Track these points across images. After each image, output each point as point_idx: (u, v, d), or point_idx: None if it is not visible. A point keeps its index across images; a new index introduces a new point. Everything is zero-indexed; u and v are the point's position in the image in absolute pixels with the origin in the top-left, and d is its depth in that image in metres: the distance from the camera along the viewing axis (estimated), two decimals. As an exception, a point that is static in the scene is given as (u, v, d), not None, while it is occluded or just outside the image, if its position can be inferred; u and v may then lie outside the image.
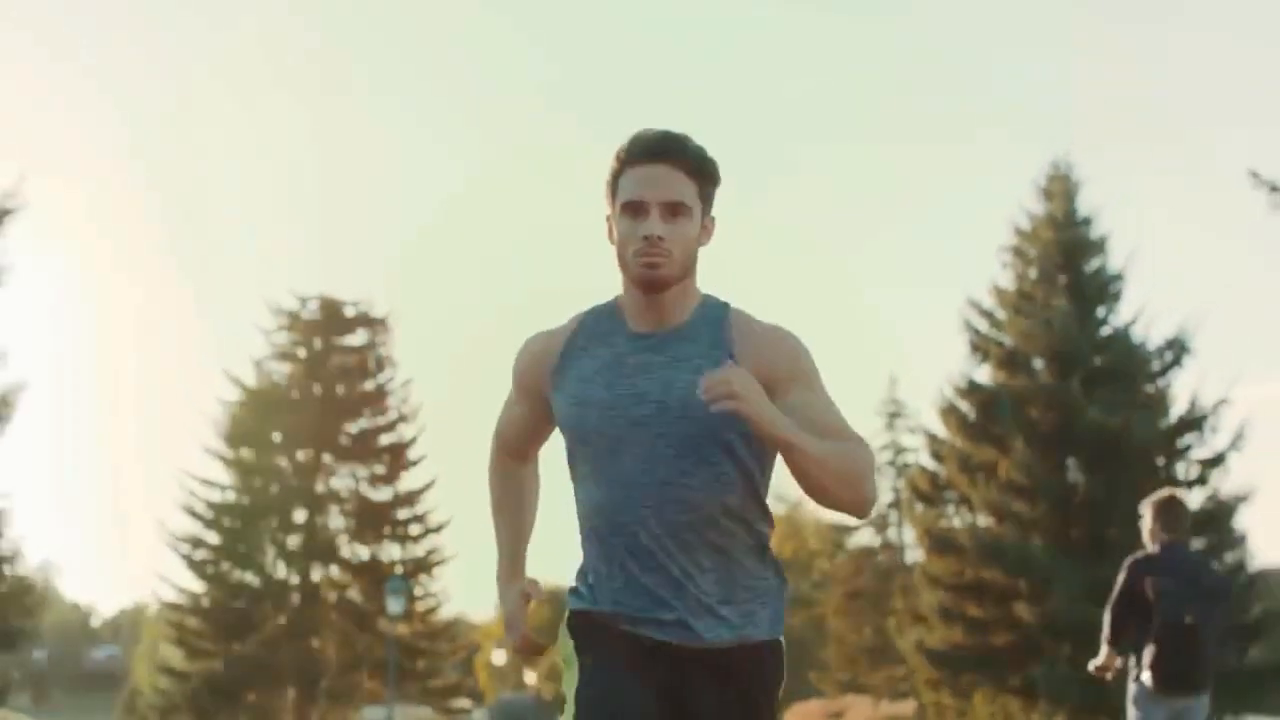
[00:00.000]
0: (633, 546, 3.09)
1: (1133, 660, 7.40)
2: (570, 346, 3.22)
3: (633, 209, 3.08)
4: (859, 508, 2.99)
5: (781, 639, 3.19)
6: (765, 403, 2.87)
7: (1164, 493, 7.71)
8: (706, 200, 3.15)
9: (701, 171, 3.12)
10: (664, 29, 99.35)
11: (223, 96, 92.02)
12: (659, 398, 3.08)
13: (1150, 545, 7.59)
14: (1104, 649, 7.49)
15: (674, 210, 3.07)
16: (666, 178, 3.07)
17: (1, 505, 17.66)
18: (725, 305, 3.19)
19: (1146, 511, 7.63)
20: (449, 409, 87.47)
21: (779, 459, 3.08)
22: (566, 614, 3.22)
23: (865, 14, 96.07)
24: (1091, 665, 7.59)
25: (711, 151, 3.18)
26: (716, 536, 3.08)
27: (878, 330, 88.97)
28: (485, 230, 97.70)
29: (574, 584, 3.25)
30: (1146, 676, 7.29)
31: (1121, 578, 7.48)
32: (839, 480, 2.94)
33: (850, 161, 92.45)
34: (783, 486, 50.80)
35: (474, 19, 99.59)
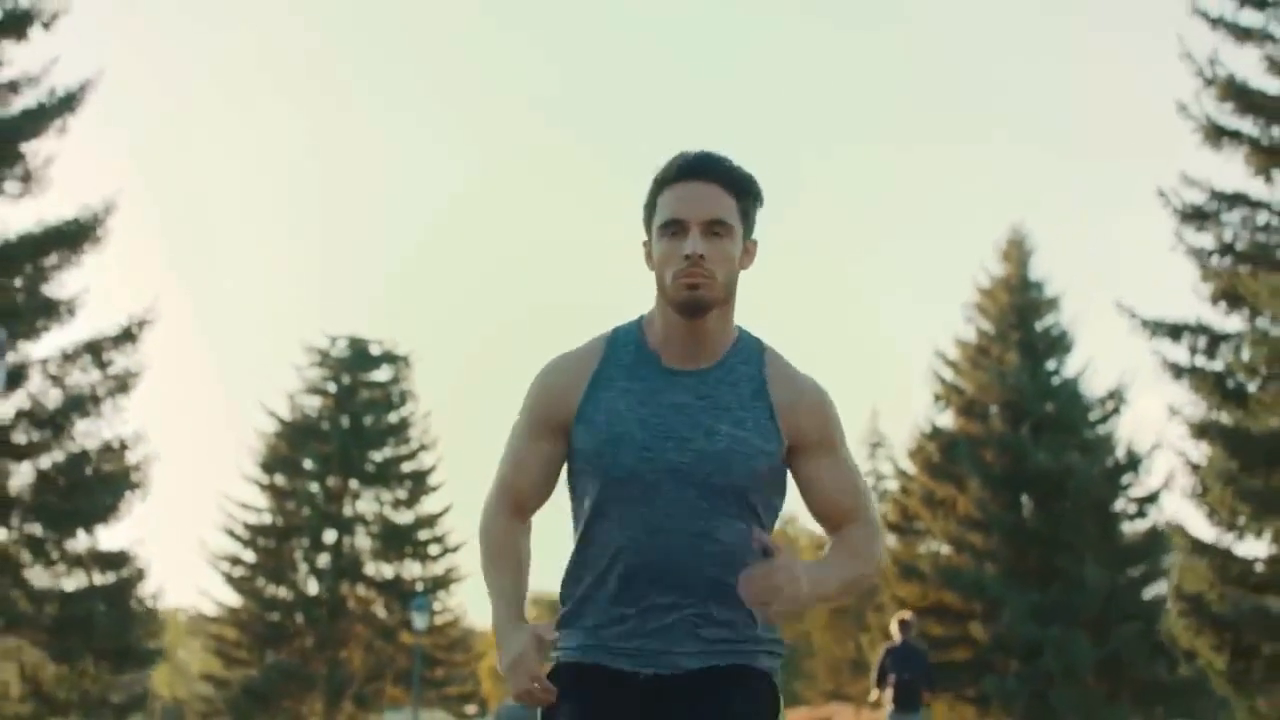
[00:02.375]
0: (655, 591, 3.04)
1: (889, 694, 14.92)
2: (599, 375, 3.13)
3: (672, 229, 3.02)
4: (869, 586, 3.21)
5: (775, 679, 3.15)
6: (803, 586, 2.89)
7: (903, 612, 15.41)
8: (748, 220, 3.09)
9: (742, 189, 3.07)
10: (667, 39, 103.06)
11: (220, 102, 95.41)
12: (700, 447, 3.02)
13: (896, 638, 15.28)
14: (874, 690, 15.13)
15: (715, 229, 3.01)
16: (707, 195, 3.02)
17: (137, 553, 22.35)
18: (760, 345, 3.15)
19: (894, 620, 14.84)
20: (465, 440, 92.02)
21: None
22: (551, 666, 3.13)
23: (867, 24, 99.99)
24: (871, 697, 14.89)
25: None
26: (731, 592, 3.02)
27: (878, 336, 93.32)
28: (490, 242, 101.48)
29: (557, 634, 3.16)
30: (889, 700, 14.72)
31: (879, 655, 14.72)
32: (860, 589, 3.13)
33: (855, 169, 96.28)
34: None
35: (490, 36, 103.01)
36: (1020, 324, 35.73)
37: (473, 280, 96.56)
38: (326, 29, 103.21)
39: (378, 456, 42.51)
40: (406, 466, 42.80)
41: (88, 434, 21.34)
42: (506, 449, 3.22)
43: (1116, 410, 35.15)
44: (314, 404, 43.10)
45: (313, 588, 41.30)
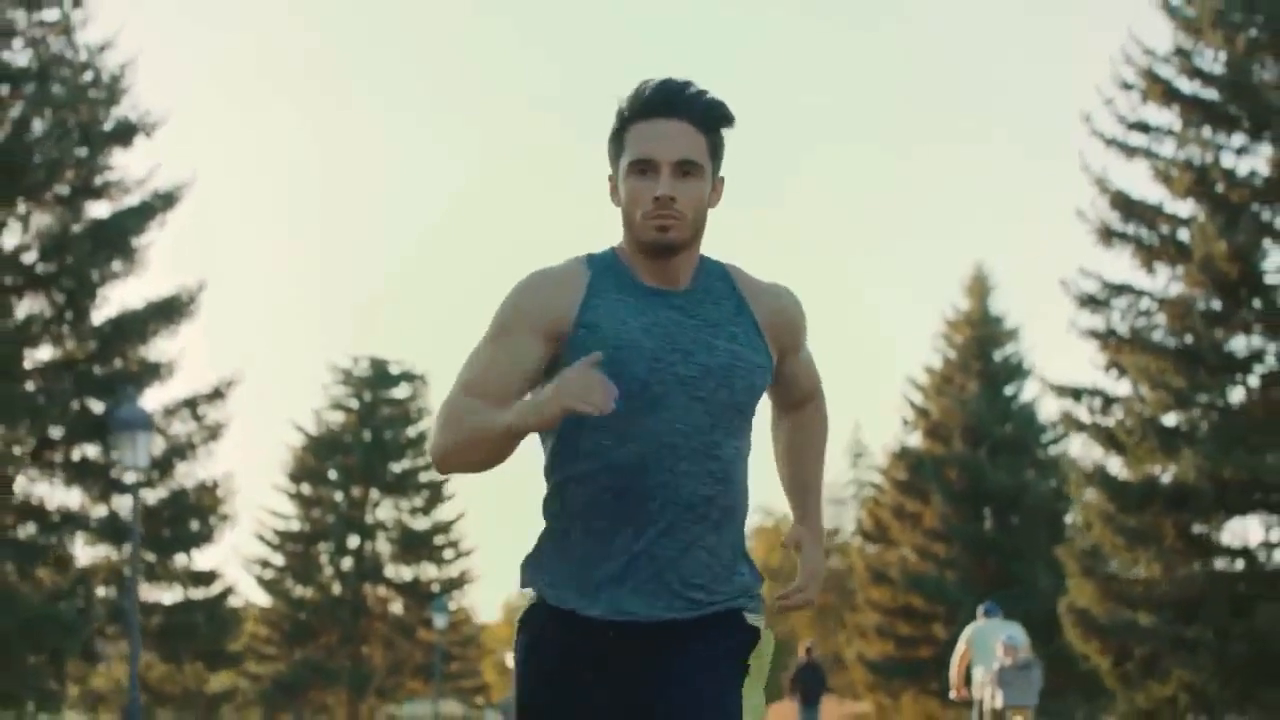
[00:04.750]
0: (654, 509, 3.03)
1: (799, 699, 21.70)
2: (594, 285, 3.10)
3: (641, 167, 3.04)
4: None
5: (760, 624, 3.17)
6: (822, 577, 3.37)
7: (806, 640, 21.81)
8: (716, 156, 3.11)
9: (713, 124, 3.09)
10: (666, 35, 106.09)
11: (220, 102, 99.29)
12: (703, 361, 3.06)
13: (802, 658, 22.03)
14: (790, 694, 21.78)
15: (686, 169, 3.03)
16: (678, 134, 3.04)
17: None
18: (722, 264, 3.21)
19: (801, 646, 21.08)
20: None
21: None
22: (525, 608, 3.17)
23: (865, 23, 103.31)
24: (788, 698, 21.25)
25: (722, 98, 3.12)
26: (725, 513, 3.08)
27: (878, 332, 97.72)
28: (491, 244, 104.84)
29: (533, 567, 3.14)
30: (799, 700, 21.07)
31: (793, 671, 21.20)
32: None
33: (855, 166, 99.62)
34: (770, 501, 62.18)
35: (503, 43, 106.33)
36: (981, 354, 41.46)
37: (474, 282, 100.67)
38: (326, 29, 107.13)
39: (397, 467, 47.61)
40: (423, 477, 47.76)
41: (186, 474, 27.25)
42: (468, 362, 3.08)
43: (1067, 434, 40.88)
44: (338, 419, 48.42)
45: (337, 589, 46.53)
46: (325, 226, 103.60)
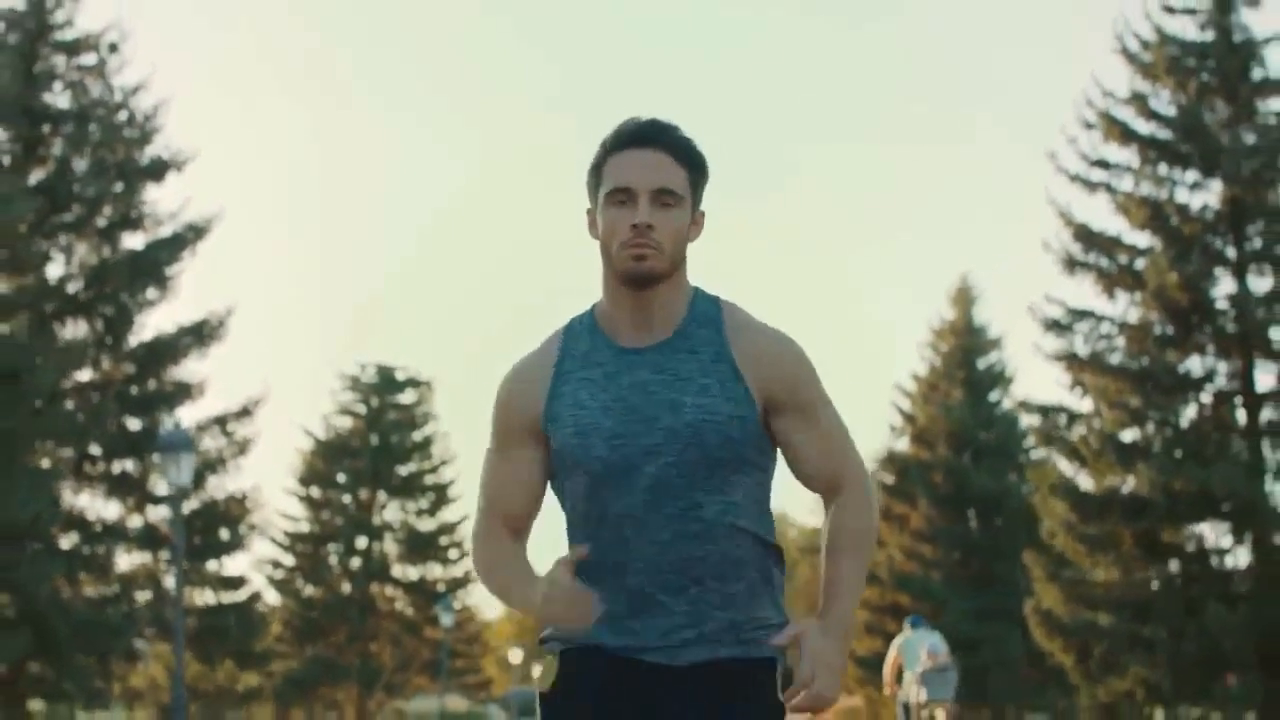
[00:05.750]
0: (646, 579, 3.08)
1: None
2: (559, 371, 3.15)
3: (619, 197, 3.06)
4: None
5: (778, 662, 3.16)
6: (836, 672, 3.02)
7: None
8: (696, 191, 3.13)
9: (692, 160, 3.12)
10: (666, 35, 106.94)
11: (220, 98, 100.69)
12: (668, 424, 3.05)
13: None
14: None
15: (664, 199, 3.06)
16: (657, 163, 3.07)
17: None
18: (717, 303, 3.18)
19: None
20: (480, 453, 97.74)
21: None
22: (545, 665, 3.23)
23: (862, 19, 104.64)
24: None
25: (710, 150, 3.17)
26: (724, 567, 3.08)
27: (876, 331, 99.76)
28: (490, 244, 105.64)
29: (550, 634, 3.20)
30: None
31: None
32: (865, 573, 3.21)
33: (849, 163, 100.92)
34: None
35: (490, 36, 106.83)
36: (965, 363, 44.03)
37: (474, 282, 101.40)
38: (326, 29, 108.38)
39: (403, 471, 49.74)
40: (429, 479, 50.09)
41: (217, 486, 29.90)
42: (483, 474, 3.23)
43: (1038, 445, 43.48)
44: (346, 424, 50.67)
45: (346, 588, 48.56)
46: (326, 232, 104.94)
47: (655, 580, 3.09)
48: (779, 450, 3.19)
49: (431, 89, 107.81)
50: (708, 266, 3.27)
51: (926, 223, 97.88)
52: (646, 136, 3.10)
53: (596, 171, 3.14)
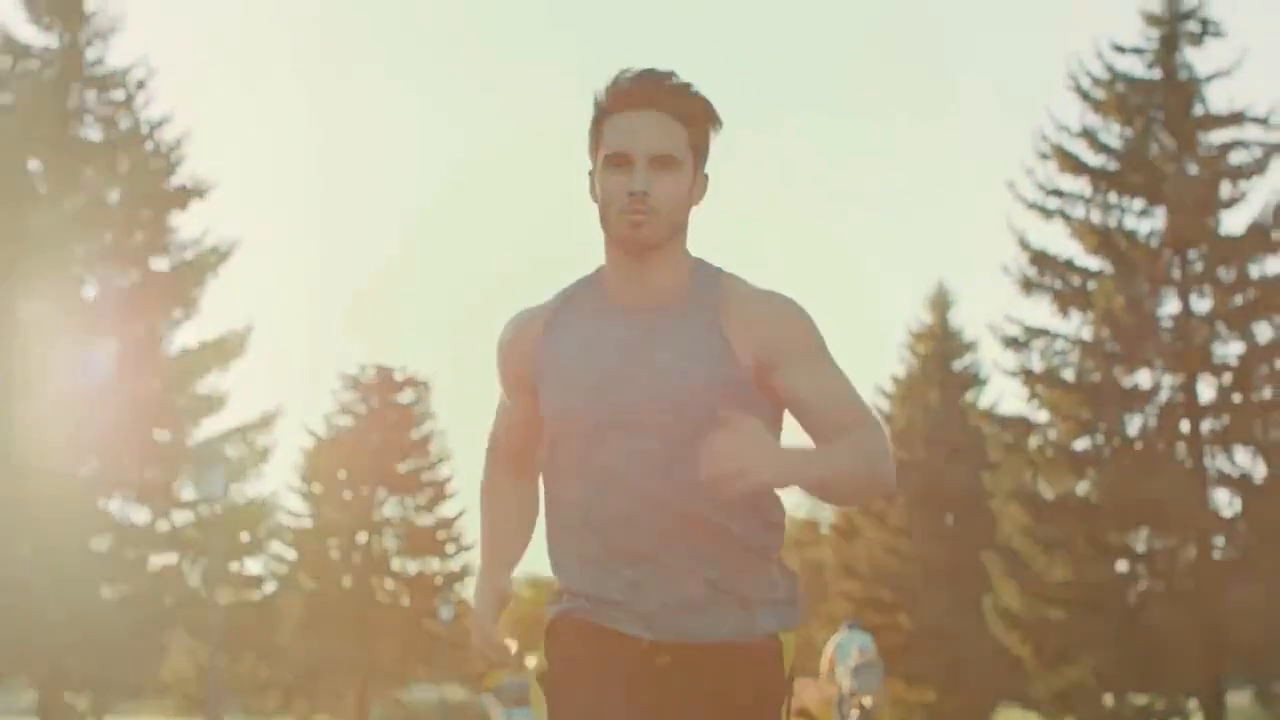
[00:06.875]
0: (614, 546, 3.11)
1: None
2: (552, 323, 3.21)
3: (616, 161, 3.06)
4: (881, 492, 3.15)
5: (781, 638, 3.19)
6: (777, 458, 2.91)
7: None
8: (699, 151, 3.12)
9: (694, 118, 3.09)
10: (666, 11, 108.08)
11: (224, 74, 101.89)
12: (649, 386, 3.09)
13: None
14: None
15: (662, 163, 3.05)
16: (654, 126, 3.05)
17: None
18: (718, 274, 3.19)
19: None
20: (476, 452, 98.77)
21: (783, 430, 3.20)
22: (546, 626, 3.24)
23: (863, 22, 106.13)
24: None
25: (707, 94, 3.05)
26: (705, 536, 3.09)
27: (861, 302, 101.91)
28: (491, 245, 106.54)
29: (513, 592, 3.31)
30: None
31: None
32: (857, 487, 3.10)
33: (833, 131, 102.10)
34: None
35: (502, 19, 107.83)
36: (941, 365, 46.95)
37: (474, 282, 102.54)
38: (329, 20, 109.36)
39: (402, 468, 51.54)
40: (426, 476, 51.92)
41: (237, 492, 32.80)
42: (498, 403, 3.41)
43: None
44: (347, 423, 53.33)
45: (347, 582, 50.59)
46: (327, 232, 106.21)
47: (633, 537, 3.12)
48: (785, 411, 3.22)
49: (432, 93, 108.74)
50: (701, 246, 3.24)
51: (903, 233, 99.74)
52: (645, 97, 3.09)
53: (594, 132, 3.15)
